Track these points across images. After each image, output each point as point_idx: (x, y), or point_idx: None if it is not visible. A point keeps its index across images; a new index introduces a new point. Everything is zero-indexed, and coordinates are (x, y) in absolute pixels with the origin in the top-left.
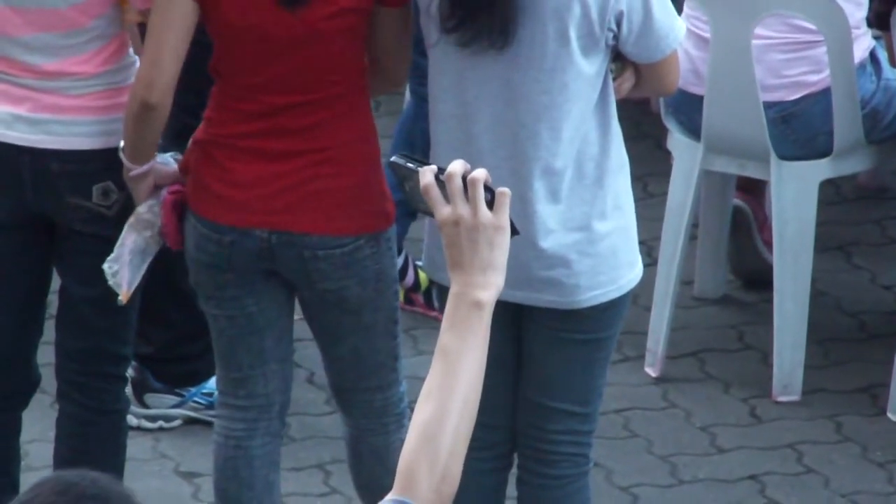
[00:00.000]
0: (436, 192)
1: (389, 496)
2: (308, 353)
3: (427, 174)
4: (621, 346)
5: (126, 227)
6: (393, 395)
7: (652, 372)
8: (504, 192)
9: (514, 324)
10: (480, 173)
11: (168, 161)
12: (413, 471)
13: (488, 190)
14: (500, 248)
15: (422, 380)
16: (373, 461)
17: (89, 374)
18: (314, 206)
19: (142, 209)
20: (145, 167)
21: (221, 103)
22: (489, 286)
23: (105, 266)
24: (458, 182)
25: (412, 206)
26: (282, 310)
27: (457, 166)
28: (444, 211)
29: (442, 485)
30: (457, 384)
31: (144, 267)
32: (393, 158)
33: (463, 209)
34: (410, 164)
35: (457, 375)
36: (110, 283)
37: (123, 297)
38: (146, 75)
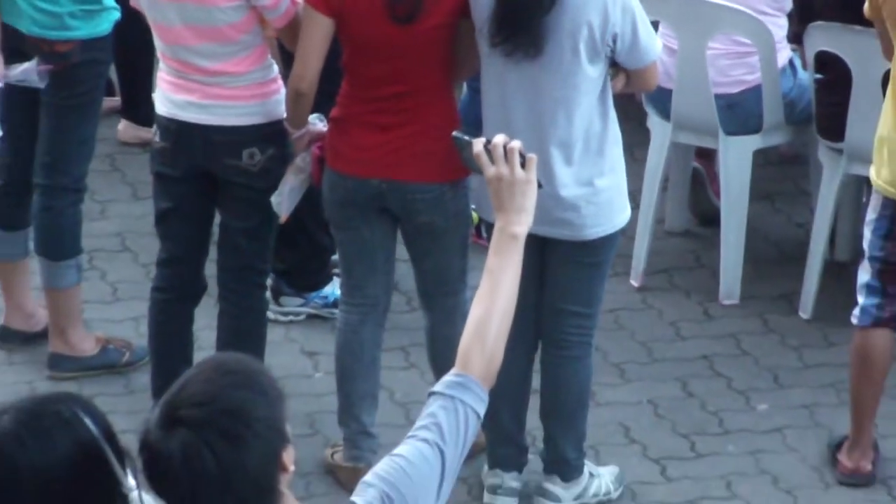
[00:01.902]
0: (485, 158)
1: (452, 371)
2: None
3: (478, 144)
4: (614, 265)
5: (287, 172)
6: (461, 299)
7: (635, 283)
8: (532, 157)
9: (539, 250)
10: (516, 143)
11: (315, 122)
12: (468, 354)
13: (521, 156)
14: (531, 197)
15: (473, 288)
16: (443, 346)
17: (241, 282)
18: (414, 162)
19: (298, 160)
20: (302, 131)
21: (349, 91)
22: (522, 223)
23: (272, 198)
24: (501, 150)
25: (467, 167)
26: (388, 236)
27: (499, 139)
28: (490, 170)
29: (490, 364)
30: (499, 293)
31: (298, 199)
32: (454, 133)
33: (503, 169)
34: (466, 137)
35: (499, 286)
36: (274, 209)
37: (283, 218)
38: (298, 72)
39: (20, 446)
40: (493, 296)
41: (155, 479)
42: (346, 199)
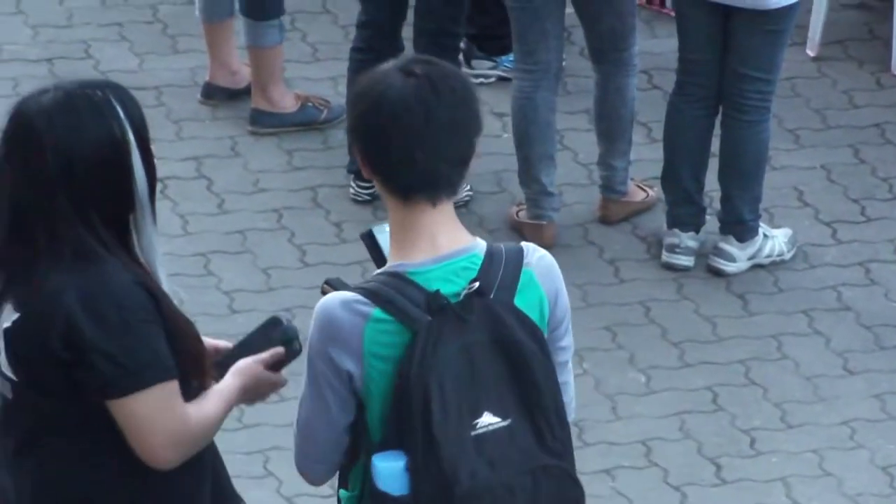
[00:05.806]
0: None
1: None
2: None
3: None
4: (791, 35)
5: None
6: (631, 52)
7: (811, 53)
8: None
9: (724, 18)
10: None
11: None
12: None
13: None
14: None
15: (656, 55)
16: (615, 95)
17: (435, 44)
18: None
19: None
20: None
21: None
22: None
23: None
24: None
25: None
26: (557, 4)
27: None
28: None
29: None
30: None
31: None
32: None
33: None
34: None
35: None
36: None
37: None
38: None
39: (48, 123)
40: None
41: (389, 116)
42: None
